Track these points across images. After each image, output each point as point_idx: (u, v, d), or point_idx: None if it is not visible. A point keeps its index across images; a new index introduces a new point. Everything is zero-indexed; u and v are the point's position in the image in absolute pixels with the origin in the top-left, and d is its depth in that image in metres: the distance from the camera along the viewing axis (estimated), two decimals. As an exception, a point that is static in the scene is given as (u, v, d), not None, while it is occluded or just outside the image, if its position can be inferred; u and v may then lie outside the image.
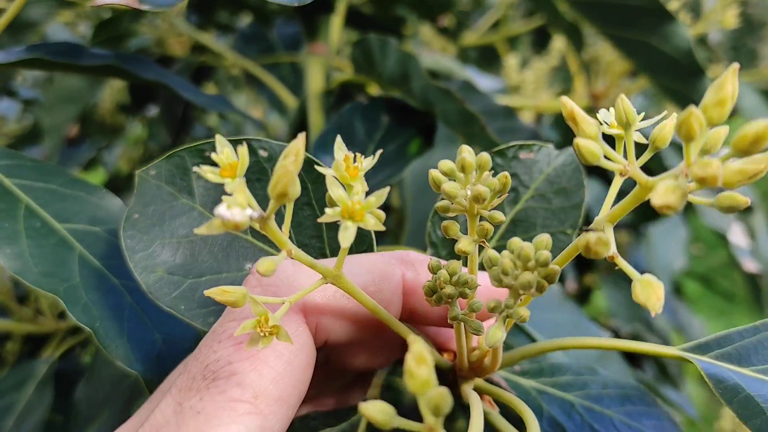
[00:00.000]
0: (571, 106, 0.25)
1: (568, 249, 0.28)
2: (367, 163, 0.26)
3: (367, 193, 0.25)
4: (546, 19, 0.72)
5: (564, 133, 0.89)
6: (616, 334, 1.18)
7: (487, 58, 1.26)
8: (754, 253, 0.92)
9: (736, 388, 0.29)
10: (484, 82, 1.12)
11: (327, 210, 0.24)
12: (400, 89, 0.56)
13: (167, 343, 0.34)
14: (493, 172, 0.36)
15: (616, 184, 0.30)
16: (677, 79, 0.55)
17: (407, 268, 0.32)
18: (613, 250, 0.24)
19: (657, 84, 0.59)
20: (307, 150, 0.53)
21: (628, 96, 0.69)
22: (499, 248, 0.37)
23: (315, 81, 0.64)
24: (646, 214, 0.98)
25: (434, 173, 0.28)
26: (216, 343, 0.27)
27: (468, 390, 0.32)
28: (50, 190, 0.34)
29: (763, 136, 0.21)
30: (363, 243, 0.33)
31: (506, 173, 0.28)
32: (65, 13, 0.94)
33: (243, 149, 0.24)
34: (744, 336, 0.31)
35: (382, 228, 0.25)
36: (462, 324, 0.30)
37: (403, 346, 0.35)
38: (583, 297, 1.41)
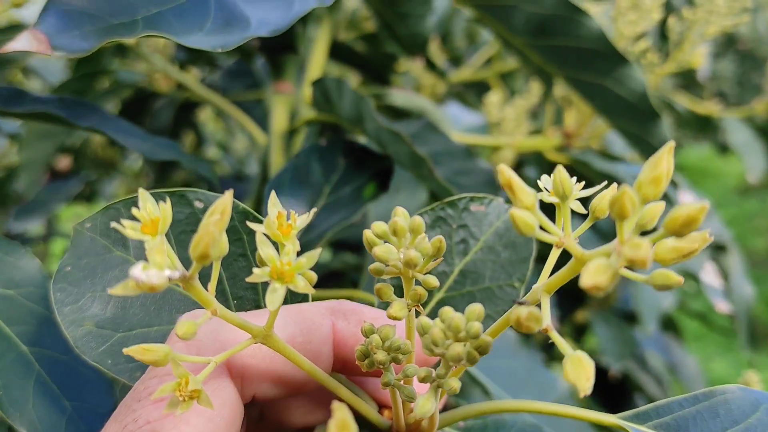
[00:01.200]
0: (509, 174, 0.24)
1: (499, 321, 0.28)
2: (301, 221, 0.25)
3: (310, 244, 0.25)
4: (518, 61, 0.72)
5: (543, 172, 0.88)
6: (606, 372, 1.16)
7: (480, 95, 1.26)
8: (726, 293, 0.91)
9: None
10: (468, 117, 1.12)
11: (255, 270, 0.24)
12: (358, 129, 0.56)
13: (78, 410, 0.33)
14: (441, 223, 0.36)
15: (554, 255, 0.30)
16: (633, 122, 0.54)
17: (338, 318, 0.31)
18: (546, 322, 0.24)
19: (614, 126, 0.58)
20: (260, 191, 0.52)
21: (600, 135, 0.69)
22: (446, 299, 0.37)
23: (279, 120, 0.64)
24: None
25: (368, 234, 0.27)
26: (135, 402, 0.26)
27: None
28: (-35, 251, 0.34)
29: (694, 219, 0.20)
30: (297, 295, 0.32)
31: (441, 238, 0.27)
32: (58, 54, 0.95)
33: (165, 206, 0.23)
34: (684, 406, 0.30)
35: (312, 291, 0.24)
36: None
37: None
38: (578, 334, 1.40)
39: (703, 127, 1.46)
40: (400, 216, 0.27)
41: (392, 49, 0.99)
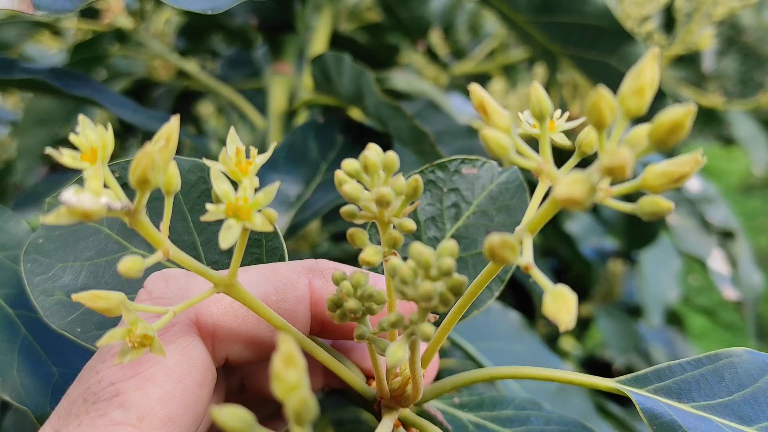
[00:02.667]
0: (481, 95, 0.22)
1: (484, 271, 0.26)
2: (261, 159, 0.24)
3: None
4: (521, 42, 0.71)
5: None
6: (610, 366, 1.15)
7: (483, 87, 1.25)
8: (734, 281, 0.89)
9: (672, 425, 0.26)
10: (469, 109, 1.11)
11: (209, 206, 0.22)
12: (357, 107, 0.54)
13: (65, 377, 0.32)
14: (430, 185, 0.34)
15: (541, 189, 0.28)
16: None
17: (315, 276, 0.29)
18: (527, 259, 0.22)
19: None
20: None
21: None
22: None
23: (277, 101, 0.63)
24: (636, 241, 0.96)
25: (338, 173, 0.25)
26: (99, 363, 0.25)
27: (388, 422, 0.29)
28: (-50, 215, 0.33)
29: (679, 124, 0.18)
30: (275, 255, 0.31)
31: (417, 177, 0.25)
32: (41, 34, 0.94)
33: (104, 131, 0.21)
34: (686, 369, 0.29)
35: (270, 228, 0.22)
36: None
37: (325, 371, 0.32)
38: (582, 328, 1.38)
39: (707, 120, 1.45)
40: (372, 151, 0.25)
41: (394, 40, 0.98)
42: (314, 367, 0.32)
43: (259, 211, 0.23)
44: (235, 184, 0.23)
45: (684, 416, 0.27)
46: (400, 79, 0.73)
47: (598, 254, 1.25)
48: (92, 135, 0.21)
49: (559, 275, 1.24)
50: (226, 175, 0.23)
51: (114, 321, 0.28)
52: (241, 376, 0.32)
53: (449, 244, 0.22)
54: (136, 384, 0.24)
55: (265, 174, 0.48)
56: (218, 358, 0.28)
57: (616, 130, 0.20)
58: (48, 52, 1.08)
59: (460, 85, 1.26)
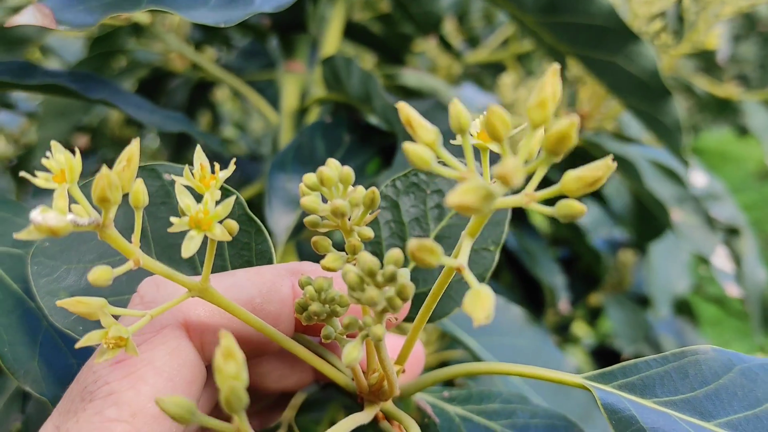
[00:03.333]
0: (408, 111, 0.24)
1: (443, 272, 0.28)
2: (223, 174, 0.25)
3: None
4: (529, 39, 0.72)
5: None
6: (619, 356, 1.16)
7: (497, 76, 1.26)
8: (738, 278, 0.90)
9: (630, 420, 0.27)
10: (482, 99, 1.11)
11: (173, 219, 0.24)
12: (366, 106, 0.56)
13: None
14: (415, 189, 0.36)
15: None
16: (644, 100, 0.54)
17: (298, 278, 0.31)
18: (459, 262, 0.23)
19: (626, 105, 0.57)
20: (265, 169, 0.52)
21: (613, 116, 0.68)
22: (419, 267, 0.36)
23: (289, 99, 0.64)
24: (646, 233, 0.97)
25: (300, 186, 0.27)
26: (95, 363, 0.27)
27: (367, 414, 0.31)
28: (-24, 212, 0.35)
29: (566, 134, 0.20)
30: (263, 257, 0.32)
31: (374, 188, 0.27)
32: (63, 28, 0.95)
33: (72, 157, 0.23)
34: (651, 366, 0.30)
35: (229, 238, 0.25)
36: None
37: (314, 367, 0.34)
38: (592, 317, 1.39)
39: (722, 110, 1.44)
40: (330, 167, 0.27)
41: (407, 30, 0.98)
42: (304, 363, 0.34)
43: (221, 222, 0.25)
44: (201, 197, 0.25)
45: (643, 411, 0.28)
46: (410, 76, 0.74)
47: (610, 245, 1.25)
48: (62, 158, 0.23)
49: (569, 264, 1.25)
50: (191, 190, 0.25)
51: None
52: None
53: (394, 253, 0.24)
54: (129, 383, 0.26)
55: (274, 175, 0.49)
56: (207, 356, 0.30)
57: (526, 139, 0.22)
58: (68, 43, 1.10)
59: (473, 74, 1.26)
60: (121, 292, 0.31)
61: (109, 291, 0.31)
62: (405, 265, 0.34)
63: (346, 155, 0.52)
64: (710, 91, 1.18)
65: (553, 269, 0.97)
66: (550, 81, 0.21)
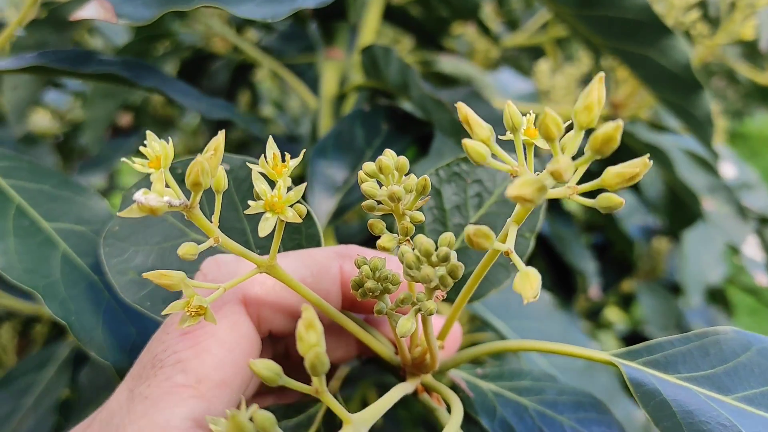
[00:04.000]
0: (466, 111, 0.26)
1: (485, 257, 0.30)
2: (293, 162, 0.28)
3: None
4: (567, 30, 0.72)
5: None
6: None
7: (535, 60, 1.25)
8: (768, 266, 0.89)
9: (654, 393, 0.30)
10: (519, 85, 1.12)
11: (250, 203, 0.27)
12: (404, 95, 0.57)
13: (142, 336, 0.37)
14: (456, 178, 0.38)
15: None
16: (677, 93, 0.54)
17: (345, 260, 0.34)
18: (508, 246, 0.26)
19: (658, 97, 0.58)
20: (306, 155, 0.55)
21: (648, 105, 0.68)
22: (462, 250, 0.38)
23: (329, 86, 0.66)
24: (678, 222, 0.97)
25: (360, 173, 0.30)
26: (164, 334, 0.30)
27: (409, 385, 0.34)
28: (42, 191, 0.38)
29: (611, 137, 0.22)
30: (312, 240, 0.35)
31: (426, 177, 0.29)
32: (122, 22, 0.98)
33: (167, 145, 0.26)
34: (675, 345, 0.32)
35: (299, 220, 0.27)
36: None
37: (358, 342, 0.36)
38: (625, 303, 1.39)
39: (764, 96, 1.42)
40: (387, 156, 0.29)
41: (446, 13, 0.99)
42: (348, 338, 0.36)
43: (292, 206, 0.27)
44: (273, 183, 0.28)
45: (666, 385, 0.30)
46: (446, 63, 0.75)
47: (644, 232, 1.25)
48: (157, 146, 0.26)
49: (602, 250, 1.26)
50: (265, 176, 0.28)
51: (176, 296, 0.33)
52: (285, 345, 0.37)
53: (447, 236, 0.27)
54: (195, 353, 0.29)
55: (315, 161, 0.51)
56: (263, 330, 0.33)
57: (573, 138, 0.24)
58: (115, 24, 1.13)
59: (511, 57, 1.26)
60: (185, 271, 0.34)
61: (174, 269, 0.34)
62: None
63: (384, 143, 0.54)
64: (752, 78, 1.17)
65: (584, 255, 0.97)
66: (596, 87, 0.23)
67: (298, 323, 0.22)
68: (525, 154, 0.28)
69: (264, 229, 0.26)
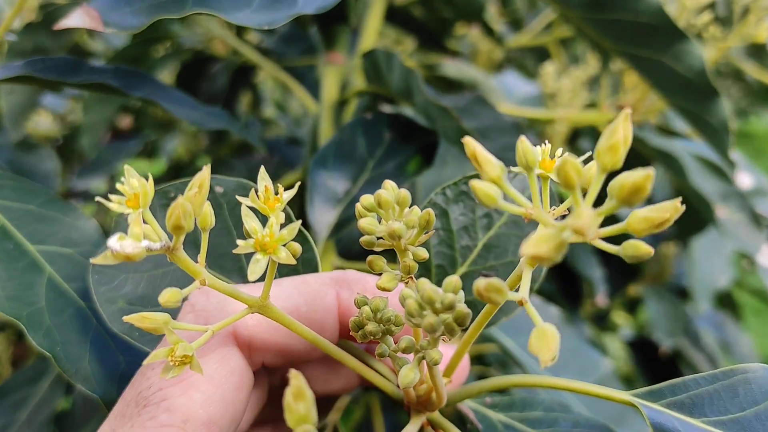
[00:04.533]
0: (473, 146, 0.24)
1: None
2: (288, 195, 0.26)
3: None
4: (573, 32, 0.70)
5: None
6: (657, 349, 1.15)
7: (539, 61, 1.23)
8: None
9: None
10: (524, 88, 1.10)
11: (239, 242, 0.25)
12: (407, 101, 0.56)
13: (131, 366, 0.35)
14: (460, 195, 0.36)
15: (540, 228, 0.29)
16: (691, 99, 0.52)
17: (342, 287, 0.32)
18: (521, 295, 0.24)
19: (672, 104, 0.56)
20: (305, 164, 0.53)
21: (658, 109, 0.66)
22: (470, 273, 0.36)
23: (329, 91, 0.64)
24: (690, 227, 0.95)
25: (357, 207, 0.28)
26: (149, 370, 0.28)
27: (414, 426, 0.32)
28: (27, 211, 0.36)
29: (641, 187, 0.20)
30: (309, 266, 0.33)
31: (429, 210, 0.27)
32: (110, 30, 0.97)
33: (146, 182, 0.24)
34: (701, 384, 0.29)
35: (293, 262, 0.25)
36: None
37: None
38: (630, 308, 1.38)
39: (771, 97, 1.40)
40: (387, 189, 0.27)
41: (449, 14, 0.97)
42: (349, 369, 0.34)
43: (285, 244, 0.25)
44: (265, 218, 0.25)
45: (692, 431, 0.28)
46: (450, 67, 0.73)
47: (651, 237, 1.23)
48: (135, 183, 0.24)
49: (608, 254, 1.23)
50: (255, 211, 0.25)
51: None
52: (281, 375, 0.35)
53: (452, 280, 0.24)
54: (181, 390, 0.27)
55: (315, 171, 0.50)
56: (255, 363, 0.31)
57: (594, 184, 0.22)
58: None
59: (515, 58, 1.24)
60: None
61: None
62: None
63: (387, 153, 0.52)
64: (759, 79, 1.15)
65: (591, 262, 0.96)
66: (621, 125, 0.21)
67: (286, 392, 0.20)
68: (540, 191, 0.26)
69: (254, 272, 0.24)
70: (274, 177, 0.25)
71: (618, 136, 0.21)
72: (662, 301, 1.15)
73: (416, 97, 0.52)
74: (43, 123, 1.24)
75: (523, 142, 0.24)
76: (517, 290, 0.25)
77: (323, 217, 0.49)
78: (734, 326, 1.29)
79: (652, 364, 1.18)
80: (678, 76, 0.51)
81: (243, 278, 0.34)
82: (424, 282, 0.24)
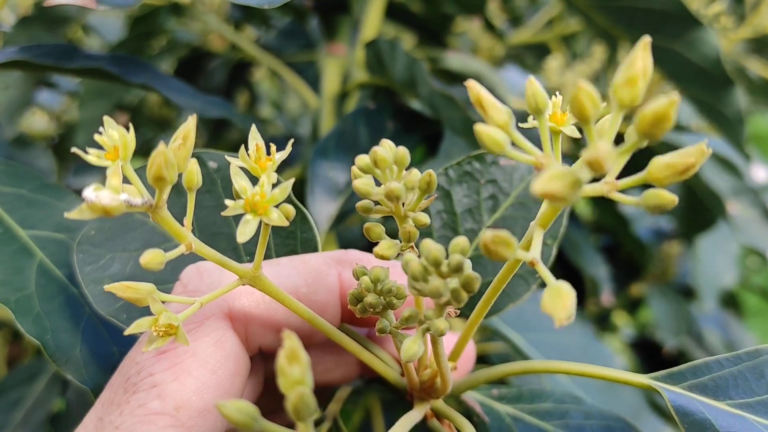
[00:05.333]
0: (478, 90, 0.22)
1: (505, 266, 0.26)
2: (280, 155, 0.24)
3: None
4: (581, 23, 0.69)
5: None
6: (660, 349, 1.13)
7: (540, 58, 1.22)
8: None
9: (704, 424, 0.26)
10: (525, 81, 1.08)
11: (228, 202, 0.23)
12: (411, 92, 0.54)
13: (125, 356, 0.33)
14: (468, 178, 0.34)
15: None
16: (705, 89, 0.51)
17: (344, 267, 0.30)
18: (532, 255, 0.21)
19: (685, 94, 0.55)
20: (306, 156, 0.51)
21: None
22: (474, 258, 0.34)
23: (330, 83, 0.63)
24: (694, 226, 0.93)
25: (353, 168, 0.26)
26: (138, 353, 0.26)
27: (416, 413, 0.30)
28: (19, 195, 0.34)
29: (663, 116, 0.18)
30: (309, 246, 0.31)
31: (431, 171, 0.25)
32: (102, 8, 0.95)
33: (126, 133, 0.22)
34: (724, 366, 0.28)
35: (286, 223, 0.23)
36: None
37: (360, 360, 0.33)
38: (633, 307, 1.36)
39: (776, 94, 1.39)
40: (384, 147, 0.25)
41: (450, 9, 0.96)
42: (350, 356, 0.32)
43: (278, 205, 0.23)
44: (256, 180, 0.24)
45: (718, 414, 0.26)
46: (453, 59, 0.72)
47: (655, 234, 1.22)
48: (115, 135, 0.22)
49: (611, 252, 1.22)
50: (246, 171, 0.23)
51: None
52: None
53: (460, 240, 0.22)
54: (173, 375, 0.25)
55: (316, 162, 0.48)
56: (252, 347, 0.29)
57: (613, 120, 0.20)
58: (109, 22, 1.10)
59: (515, 55, 1.23)
60: (164, 280, 0.31)
61: (153, 279, 0.30)
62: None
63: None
64: (763, 75, 1.14)
65: (595, 260, 0.94)
66: (640, 55, 0.19)
67: (279, 353, 0.18)
68: (551, 144, 0.24)
69: (244, 233, 0.22)
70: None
71: (636, 68, 0.19)
72: (666, 300, 1.14)
73: (421, 87, 0.51)
74: (38, 122, 1.22)
75: (533, 83, 0.22)
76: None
77: (324, 208, 0.47)
78: (738, 326, 1.27)
79: (655, 365, 1.16)
80: (691, 65, 0.49)
81: (239, 259, 0.32)
82: (429, 242, 0.21)
